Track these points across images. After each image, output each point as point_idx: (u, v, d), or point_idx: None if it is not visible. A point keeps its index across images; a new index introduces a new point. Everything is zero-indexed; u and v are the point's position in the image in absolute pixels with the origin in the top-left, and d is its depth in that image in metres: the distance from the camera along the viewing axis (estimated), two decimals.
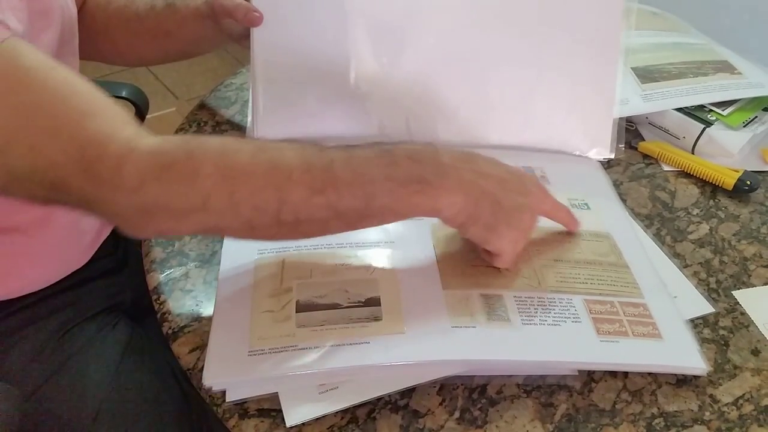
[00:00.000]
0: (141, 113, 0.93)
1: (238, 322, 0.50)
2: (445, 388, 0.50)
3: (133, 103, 0.93)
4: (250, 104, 0.77)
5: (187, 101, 2.20)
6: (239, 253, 0.55)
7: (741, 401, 0.50)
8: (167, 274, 0.57)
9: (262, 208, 0.44)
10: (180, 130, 0.75)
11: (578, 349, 0.50)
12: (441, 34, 0.68)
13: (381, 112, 0.69)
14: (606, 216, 0.63)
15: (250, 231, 0.47)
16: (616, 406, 0.49)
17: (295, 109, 0.68)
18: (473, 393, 0.49)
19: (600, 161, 0.72)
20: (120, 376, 0.65)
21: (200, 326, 0.53)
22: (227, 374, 0.47)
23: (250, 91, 0.68)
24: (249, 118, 0.74)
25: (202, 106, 0.78)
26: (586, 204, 0.64)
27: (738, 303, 0.58)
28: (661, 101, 0.75)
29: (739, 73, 0.79)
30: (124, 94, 0.92)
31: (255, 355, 0.47)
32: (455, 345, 0.49)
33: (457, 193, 0.48)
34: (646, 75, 0.78)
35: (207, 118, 0.76)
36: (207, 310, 0.54)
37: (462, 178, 0.49)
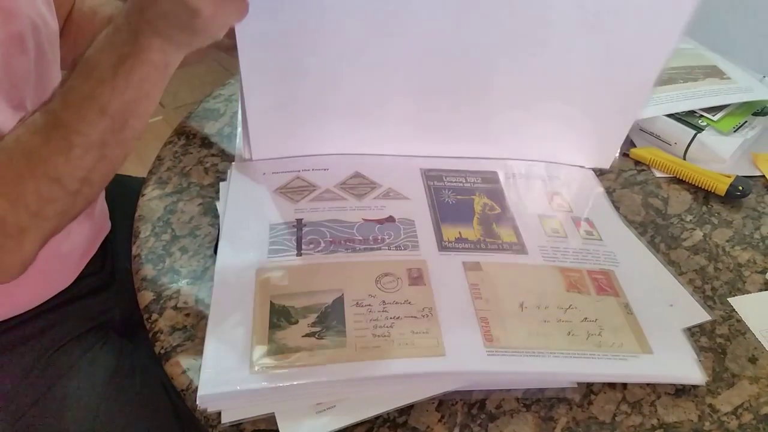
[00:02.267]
0: None
1: (232, 341, 0.49)
2: (444, 404, 0.49)
3: None
4: (238, 116, 0.76)
5: (174, 110, 2.18)
6: (234, 269, 0.55)
7: (740, 410, 0.50)
8: (159, 292, 0.56)
9: (45, 196, 0.48)
10: (169, 143, 0.74)
11: (576, 361, 0.50)
12: (447, 42, 0.62)
13: (382, 126, 0.67)
14: (602, 229, 0.63)
15: (59, 216, 0.50)
16: (616, 418, 0.49)
17: (290, 128, 0.66)
18: (472, 408, 0.49)
19: (593, 169, 0.71)
20: (109, 398, 0.64)
21: (193, 345, 0.52)
22: (223, 395, 0.46)
23: (240, 109, 0.67)
24: (238, 130, 0.74)
25: (190, 119, 0.77)
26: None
27: (734, 310, 0.58)
28: (652, 107, 0.75)
29: (728, 78, 0.79)
30: None
31: (255, 373, 0.47)
32: (453, 358, 0.48)
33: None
34: None
35: (195, 131, 0.75)
36: (200, 329, 0.53)
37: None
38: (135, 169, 1.81)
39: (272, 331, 0.49)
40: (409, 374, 0.47)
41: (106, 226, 0.79)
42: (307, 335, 0.49)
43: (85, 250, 0.73)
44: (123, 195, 0.84)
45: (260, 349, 0.48)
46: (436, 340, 0.49)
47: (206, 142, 0.73)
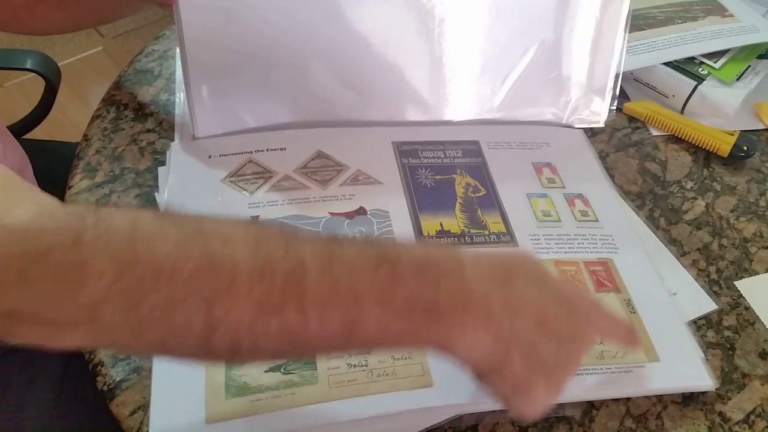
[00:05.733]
0: (52, 86, 0.80)
1: (184, 381, 0.42)
2: None
3: (42, 75, 0.79)
4: (176, 78, 0.65)
5: (113, 39, 1.99)
6: None
7: (752, 417, 0.46)
8: None
9: (181, 326, 0.30)
10: (96, 117, 0.63)
11: (577, 379, 0.44)
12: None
13: (338, 93, 0.58)
14: (598, 207, 0.56)
15: (163, 352, 0.34)
16: None
17: (240, 96, 0.56)
18: None
19: (583, 129, 0.64)
20: (58, 416, 0.58)
21: (140, 379, 0.45)
22: None
23: (180, 73, 0.57)
24: (177, 97, 0.63)
25: (119, 85, 0.66)
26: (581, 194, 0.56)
27: (741, 296, 0.53)
28: (647, 54, 0.67)
29: (731, 15, 0.71)
30: (29, 64, 0.78)
31: (213, 423, 0.40)
32: (442, 388, 0.42)
33: (484, 333, 0.33)
34: (630, 22, 0.69)
35: (127, 100, 0.64)
36: (147, 358, 0.46)
37: (492, 311, 0.33)
38: (77, 110, 1.64)
39: (229, 367, 0.42)
40: (393, 413, 0.41)
41: None
42: (271, 369, 0.42)
43: None
44: (56, 166, 0.74)
45: (216, 392, 0.41)
46: (422, 366, 0.43)
47: (140, 114, 0.63)
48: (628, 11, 0.60)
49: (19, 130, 0.82)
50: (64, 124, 1.54)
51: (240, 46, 0.54)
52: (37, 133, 0.84)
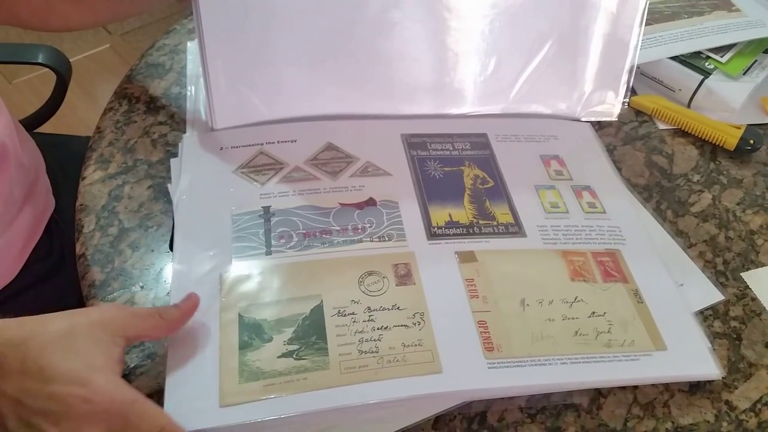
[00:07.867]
0: (63, 80, 0.81)
1: (198, 366, 0.43)
2: (441, 420, 0.44)
3: (53, 70, 0.80)
4: (187, 73, 0.66)
5: (121, 36, 2.00)
6: (193, 274, 0.47)
7: (759, 405, 0.46)
8: (109, 301, 0.49)
9: None
10: (109, 110, 0.64)
11: (585, 367, 0.45)
12: None
13: (355, 85, 0.58)
14: (606, 199, 0.56)
15: None
16: (628, 423, 0.45)
17: (257, 89, 0.56)
18: (472, 423, 0.44)
19: (591, 123, 0.64)
20: None
21: (154, 366, 0.46)
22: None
23: (191, 67, 0.57)
24: (188, 90, 0.64)
25: (131, 79, 0.67)
26: (588, 186, 0.57)
27: (748, 287, 0.53)
28: (654, 49, 0.67)
29: (738, 10, 0.71)
30: (40, 59, 0.79)
31: (226, 407, 0.41)
32: (451, 374, 0.43)
33: None
34: None
35: (139, 93, 0.65)
36: (161, 344, 0.47)
37: None
38: (85, 107, 1.65)
39: (243, 352, 0.43)
40: (403, 398, 0.41)
41: (50, 204, 0.70)
42: (284, 355, 0.43)
43: (27, 238, 0.65)
44: (67, 160, 0.75)
45: (230, 376, 0.42)
46: (431, 353, 0.43)
47: (152, 107, 0.64)
48: (645, 5, 0.60)
49: (29, 124, 0.83)
50: (72, 120, 1.55)
51: (258, 38, 0.55)
52: (46, 129, 0.85)
